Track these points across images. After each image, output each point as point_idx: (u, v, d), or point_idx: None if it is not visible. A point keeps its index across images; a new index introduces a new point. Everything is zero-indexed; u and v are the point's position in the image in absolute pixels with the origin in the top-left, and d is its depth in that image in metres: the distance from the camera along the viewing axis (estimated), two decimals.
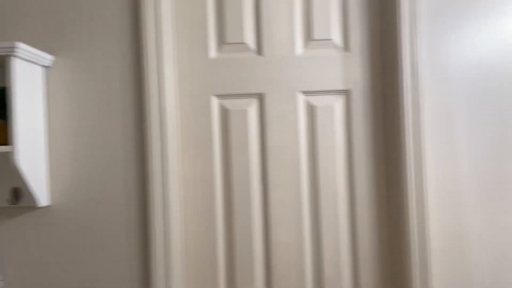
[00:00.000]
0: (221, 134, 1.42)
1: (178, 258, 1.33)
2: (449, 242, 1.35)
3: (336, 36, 1.42)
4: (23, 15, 1.35)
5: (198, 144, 1.41)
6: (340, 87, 1.42)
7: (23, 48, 1.17)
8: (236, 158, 1.41)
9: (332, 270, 1.41)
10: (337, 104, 1.42)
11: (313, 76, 1.41)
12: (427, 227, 1.32)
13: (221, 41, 1.42)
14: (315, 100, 1.42)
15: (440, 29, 1.35)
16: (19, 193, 1.32)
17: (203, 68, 1.41)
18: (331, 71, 1.41)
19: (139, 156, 1.34)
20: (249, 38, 1.42)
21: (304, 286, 1.41)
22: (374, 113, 1.41)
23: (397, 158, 1.36)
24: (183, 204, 1.39)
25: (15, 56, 1.17)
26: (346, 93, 1.42)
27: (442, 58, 1.35)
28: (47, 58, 1.31)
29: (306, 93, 1.42)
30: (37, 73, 1.30)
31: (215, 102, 1.42)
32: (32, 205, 1.30)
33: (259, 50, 1.42)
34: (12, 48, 1.15)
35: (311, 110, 1.42)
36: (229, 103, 1.42)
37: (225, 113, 1.42)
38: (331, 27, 1.42)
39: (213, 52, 1.41)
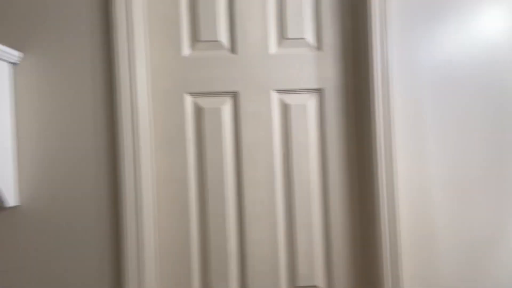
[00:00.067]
0: (195, 132, 1.42)
1: (151, 258, 1.32)
2: (419, 237, 1.39)
3: (309, 35, 1.43)
4: None
5: (172, 143, 1.40)
6: (313, 86, 1.43)
7: None
8: (210, 156, 1.41)
9: (305, 266, 1.42)
10: (311, 103, 1.44)
11: (287, 74, 1.42)
12: (398, 224, 1.34)
13: (195, 39, 1.41)
14: (288, 98, 1.43)
15: (409, 29, 1.39)
16: None
17: (176, 66, 1.40)
18: (304, 69, 1.43)
19: (110, 155, 1.32)
20: (223, 36, 1.42)
21: (278, 283, 1.42)
22: (346, 111, 1.43)
23: (369, 155, 1.39)
24: (156, 203, 1.38)
25: None
26: (319, 91, 1.44)
27: (411, 57, 1.38)
28: (15, 54, 1.28)
29: (280, 91, 1.43)
30: (4, 70, 1.27)
31: (188, 100, 1.41)
32: None
33: (233, 49, 1.42)
34: None
35: (284, 109, 1.43)
36: (203, 101, 1.41)
37: (198, 111, 1.41)
38: (304, 26, 1.43)
39: (186, 50, 1.41)
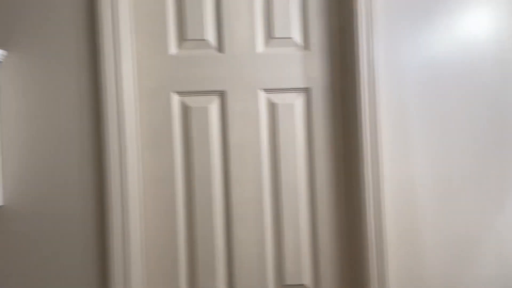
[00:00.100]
0: (182, 132, 1.41)
1: (137, 257, 1.31)
2: (404, 236, 1.40)
3: (296, 34, 1.44)
4: None
5: (158, 142, 1.39)
6: (301, 85, 1.44)
7: None
8: (197, 155, 1.40)
9: (293, 265, 1.43)
10: (298, 102, 1.44)
11: (274, 74, 1.43)
12: (384, 222, 1.36)
13: (182, 37, 1.41)
14: (276, 97, 1.44)
15: (395, 29, 1.40)
16: None
17: (163, 65, 1.39)
18: (291, 69, 1.43)
19: (96, 154, 1.31)
20: (210, 35, 1.42)
21: (266, 282, 1.42)
22: (333, 110, 1.44)
23: (355, 154, 1.40)
24: (143, 202, 1.37)
25: None
26: (306, 90, 1.44)
27: (397, 57, 1.40)
28: None
29: (267, 90, 1.43)
30: None
31: (175, 99, 1.41)
32: None
33: (220, 47, 1.42)
34: None
35: (272, 108, 1.44)
36: (190, 100, 1.41)
37: (186, 110, 1.41)
38: (291, 26, 1.44)
39: (173, 49, 1.40)
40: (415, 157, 1.40)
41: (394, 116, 1.40)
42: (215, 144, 1.42)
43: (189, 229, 1.41)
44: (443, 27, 1.42)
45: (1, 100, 1.29)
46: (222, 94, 1.42)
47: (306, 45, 1.44)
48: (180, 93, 1.40)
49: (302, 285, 1.43)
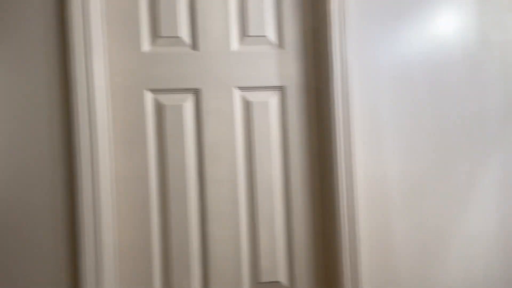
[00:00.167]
0: (156, 130, 1.39)
1: (110, 256, 1.29)
2: (376, 233, 1.43)
3: (270, 33, 1.44)
4: None
5: (132, 140, 1.37)
6: (275, 83, 1.44)
7: None
8: (171, 153, 1.39)
9: (268, 262, 1.43)
10: (273, 100, 1.45)
11: (249, 72, 1.43)
12: (357, 219, 1.38)
13: (155, 34, 1.39)
14: (251, 95, 1.44)
15: (367, 30, 1.42)
16: None
17: (136, 62, 1.37)
18: (266, 67, 1.44)
19: (66, 154, 1.28)
20: (184, 32, 1.40)
21: (241, 280, 1.42)
22: (307, 109, 1.46)
23: (329, 152, 1.41)
24: (116, 201, 1.35)
25: None
26: (281, 89, 1.45)
27: (370, 57, 1.42)
28: None
29: (242, 88, 1.43)
30: None
31: (149, 97, 1.39)
32: None
33: (194, 45, 1.41)
34: None
35: (247, 106, 1.44)
36: (164, 98, 1.39)
37: (159, 108, 1.39)
38: (266, 24, 1.44)
39: (146, 46, 1.38)
40: (387, 154, 1.43)
41: (367, 114, 1.42)
42: (189, 142, 1.41)
43: (163, 228, 1.39)
44: (414, 28, 1.45)
45: None
46: (196, 92, 1.41)
47: (280, 44, 1.45)
48: (154, 90, 1.39)
49: (277, 282, 1.44)
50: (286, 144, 1.45)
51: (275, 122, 1.45)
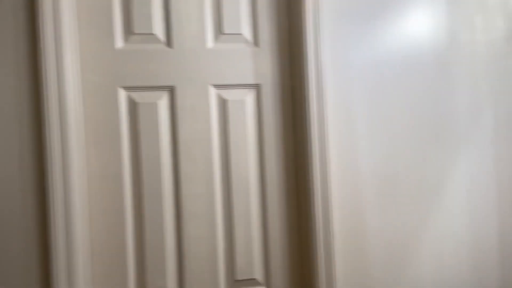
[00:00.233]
0: (130, 128, 1.37)
1: (83, 257, 1.26)
2: (350, 232, 1.44)
3: (246, 31, 1.44)
4: None
5: (105, 138, 1.35)
6: (251, 81, 1.45)
7: None
8: (146, 152, 1.37)
9: (244, 260, 1.44)
10: (248, 98, 1.45)
11: (224, 69, 1.42)
12: (331, 216, 1.40)
13: (128, 31, 1.37)
14: (226, 93, 1.43)
15: (341, 30, 1.44)
16: None
17: (109, 59, 1.35)
18: (241, 65, 1.44)
19: (37, 152, 1.24)
20: (158, 29, 1.39)
21: (217, 278, 1.42)
22: (283, 107, 1.46)
23: (304, 150, 1.43)
24: (88, 201, 1.32)
25: None
26: (256, 87, 1.45)
27: (343, 56, 1.44)
28: None
29: (217, 86, 1.43)
30: None
31: (122, 94, 1.37)
32: None
33: (169, 42, 1.39)
34: None
35: (222, 104, 1.43)
36: (138, 96, 1.38)
37: (133, 106, 1.37)
38: (241, 22, 1.44)
39: (119, 43, 1.36)
40: (361, 154, 1.45)
41: (341, 112, 1.44)
42: (164, 141, 1.39)
43: (137, 226, 1.37)
44: (386, 28, 1.48)
45: None
46: (171, 90, 1.40)
47: (256, 42, 1.45)
48: (127, 88, 1.37)
49: (253, 279, 1.45)
50: (262, 142, 1.45)
51: (250, 120, 1.45)
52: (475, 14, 1.55)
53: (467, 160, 1.53)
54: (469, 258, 1.53)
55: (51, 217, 1.23)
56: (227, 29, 1.43)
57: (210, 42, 1.42)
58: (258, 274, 1.45)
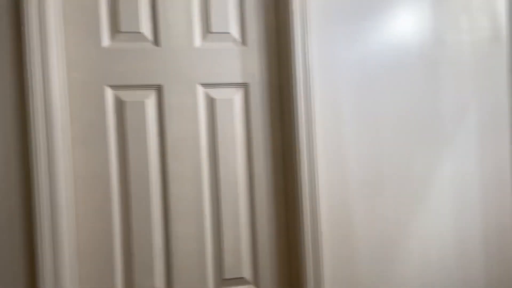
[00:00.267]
0: (117, 127, 1.37)
1: (69, 257, 1.25)
2: (338, 231, 1.46)
3: (233, 29, 1.44)
4: None
5: (92, 138, 1.34)
6: (239, 80, 1.45)
7: None
8: (133, 151, 1.37)
9: (232, 259, 1.44)
10: (236, 97, 1.45)
11: (212, 68, 1.42)
12: (319, 216, 1.40)
13: (115, 29, 1.36)
14: (214, 92, 1.43)
15: (329, 29, 1.45)
16: None
17: (95, 57, 1.34)
18: (229, 64, 1.44)
19: (22, 152, 1.23)
20: (145, 28, 1.38)
21: (205, 277, 1.42)
22: (271, 105, 1.47)
23: (292, 149, 1.43)
24: (75, 200, 1.31)
25: None
26: (244, 86, 1.45)
27: (331, 55, 1.45)
28: None
29: (205, 85, 1.43)
30: None
31: (109, 93, 1.36)
32: None
33: (156, 41, 1.39)
34: None
35: (210, 103, 1.43)
36: (125, 94, 1.37)
37: (120, 105, 1.37)
38: (229, 21, 1.44)
39: (106, 41, 1.35)
40: (348, 152, 1.46)
41: (328, 111, 1.45)
42: (151, 140, 1.39)
43: (125, 226, 1.37)
44: (373, 27, 1.49)
45: None
46: (159, 89, 1.39)
47: (244, 41, 1.45)
48: (114, 87, 1.36)
49: (241, 278, 1.45)
50: (250, 141, 1.46)
51: (238, 119, 1.45)
52: (460, 14, 1.56)
53: (452, 158, 1.56)
54: (455, 255, 1.56)
55: (37, 217, 1.22)
56: (214, 28, 1.42)
57: (197, 41, 1.42)
58: (246, 273, 1.46)
